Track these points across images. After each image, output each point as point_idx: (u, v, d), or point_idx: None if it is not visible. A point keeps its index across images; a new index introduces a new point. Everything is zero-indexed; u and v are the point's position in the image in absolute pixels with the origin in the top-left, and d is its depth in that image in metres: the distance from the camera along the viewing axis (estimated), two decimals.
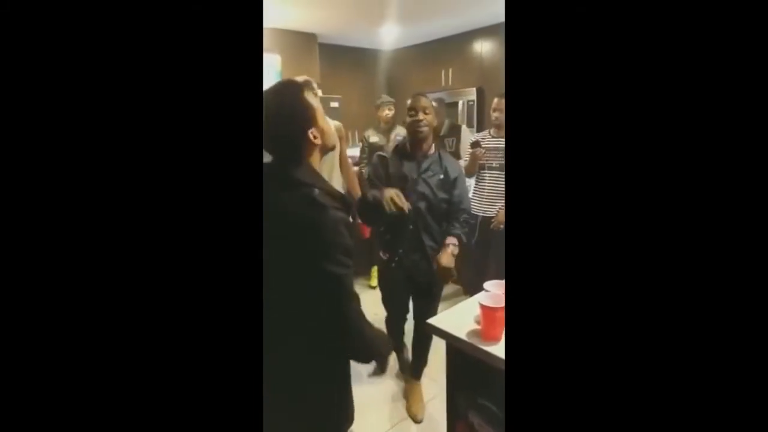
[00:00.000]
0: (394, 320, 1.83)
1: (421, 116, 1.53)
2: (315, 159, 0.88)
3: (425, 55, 3.65)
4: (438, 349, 1.53)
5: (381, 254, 1.68)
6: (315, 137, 0.84)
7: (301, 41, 3.09)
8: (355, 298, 0.86)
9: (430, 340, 1.79)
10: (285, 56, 2.82)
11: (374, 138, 2.82)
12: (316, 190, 0.81)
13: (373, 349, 0.92)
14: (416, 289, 1.70)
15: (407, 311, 1.80)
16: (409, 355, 1.92)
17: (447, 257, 1.51)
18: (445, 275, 1.53)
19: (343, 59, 3.57)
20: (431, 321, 1.15)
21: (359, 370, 2.04)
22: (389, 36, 3.33)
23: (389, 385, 2.00)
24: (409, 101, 1.59)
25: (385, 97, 2.96)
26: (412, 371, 1.88)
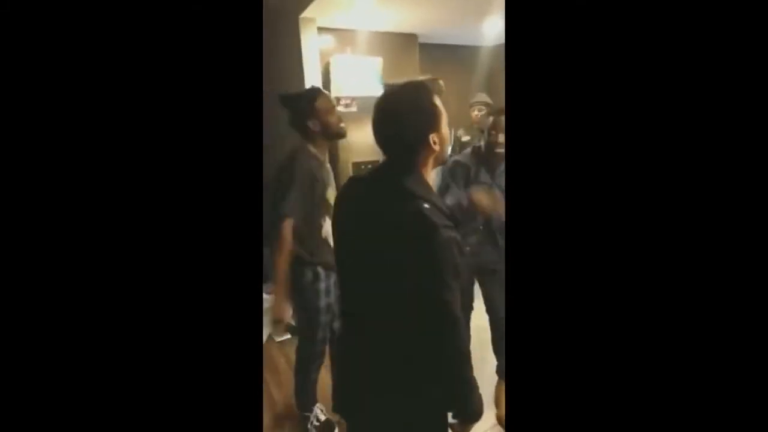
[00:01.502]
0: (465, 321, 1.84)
1: (500, 138, 1.53)
2: (428, 168, 0.81)
3: None
4: None
5: None
6: (435, 143, 0.78)
7: (402, 42, 3.16)
8: (464, 329, 0.74)
9: (504, 331, 1.75)
10: (386, 58, 2.91)
11: (465, 137, 2.79)
12: (427, 205, 0.73)
13: (474, 402, 0.78)
14: (487, 279, 1.70)
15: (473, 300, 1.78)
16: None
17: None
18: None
19: (444, 57, 3.56)
20: None
21: None
22: (492, 30, 3.24)
23: None
24: (491, 119, 1.58)
25: (479, 96, 2.90)
26: (499, 371, 1.85)
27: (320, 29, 2.71)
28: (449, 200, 1.52)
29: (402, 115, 0.76)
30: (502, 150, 1.55)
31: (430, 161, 0.81)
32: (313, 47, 2.60)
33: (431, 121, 0.77)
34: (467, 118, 3.01)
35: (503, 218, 1.41)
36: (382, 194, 0.77)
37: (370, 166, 2.68)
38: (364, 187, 0.85)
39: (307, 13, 2.40)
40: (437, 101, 0.79)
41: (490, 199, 1.42)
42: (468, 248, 1.61)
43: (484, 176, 1.62)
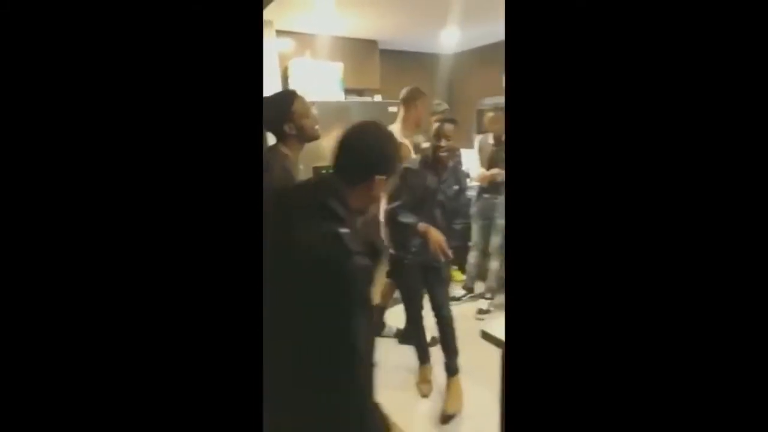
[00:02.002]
0: (417, 316, 1.95)
1: (443, 143, 1.74)
2: (368, 190, 0.80)
3: (486, 59, 3.59)
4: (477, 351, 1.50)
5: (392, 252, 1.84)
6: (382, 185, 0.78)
7: (363, 48, 3.17)
8: (365, 359, 0.73)
9: (453, 329, 1.90)
10: (346, 64, 2.90)
11: (425, 144, 2.82)
12: (345, 230, 0.71)
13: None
14: (431, 277, 1.85)
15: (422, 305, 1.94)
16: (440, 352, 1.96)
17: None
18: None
19: (404, 64, 3.60)
20: (486, 330, 1.14)
21: (398, 366, 2.05)
22: (450, 39, 3.32)
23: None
24: (435, 126, 1.76)
25: (437, 104, 2.94)
26: (447, 368, 1.92)
27: (279, 32, 2.66)
28: (402, 218, 1.68)
29: (356, 155, 0.78)
30: (446, 155, 1.75)
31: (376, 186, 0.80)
32: (271, 50, 2.55)
33: (389, 166, 0.80)
34: (428, 125, 3.05)
35: (446, 255, 1.61)
36: (308, 211, 0.75)
37: (332, 171, 2.67)
38: (295, 200, 0.82)
39: (264, 16, 2.35)
40: (396, 142, 0.81)
41: (436, 237, 1.60)
42: (414, 249, 1.76)
43: (432, 181, 1.78)
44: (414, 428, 1.77)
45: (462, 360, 1.93)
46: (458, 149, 2.76)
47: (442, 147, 1.74)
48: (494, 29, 3.12)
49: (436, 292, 1.89)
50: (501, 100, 3.32)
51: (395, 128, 2.22)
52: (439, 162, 1.78)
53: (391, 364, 2.18)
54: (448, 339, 1.90)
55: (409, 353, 2.13)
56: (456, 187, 1.86)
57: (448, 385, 1.90)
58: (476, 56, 3.69)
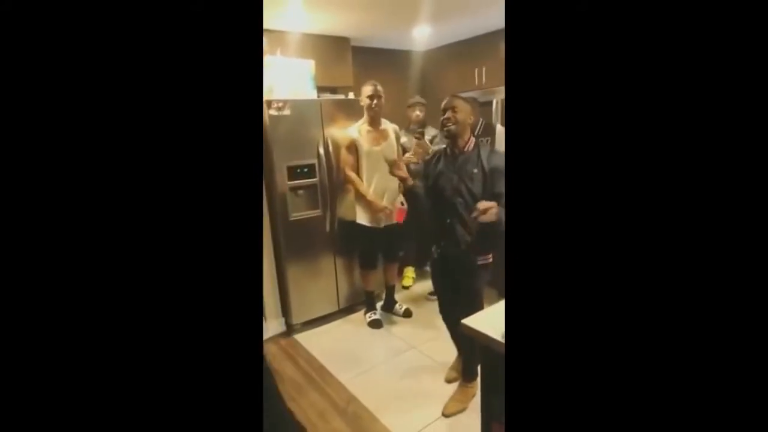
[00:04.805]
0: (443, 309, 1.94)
1: (448, 115, 1.65)
2: None
3: (458, 55, 3.62)
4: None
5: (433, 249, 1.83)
6: None
7: (334, 45, 3.13)
8: None
9: (470, 339, 1.78)
10: (318, 61, 2.87)
11: (403, 139, 2.83)
12: None
13: None
14: (453, 285, 1.80)
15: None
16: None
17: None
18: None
19: (376, 61, 3.59)
20: (466, 321, 1.15)
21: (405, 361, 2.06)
22: (422, 37, 3.33)
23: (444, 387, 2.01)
24: (445, 101, 1.70)
25: (416, 98, 2.97)
26: (461, 373, 1.91)
27: None
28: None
29: None
30: (453, 128, 1.66)
31: None
32: None
33: None
34: (404, 120, 3.06)
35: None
36: None
37: (306, 170, 2.65)
38: None
39: None
40: None
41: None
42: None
43: (446, 167, 1.73)
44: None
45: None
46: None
47: (447, 119, 1.66)
48: (464, 27, 3.15)
49: (456, 297, 1.80)
50: (474, 94, 3.36)
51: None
52: (454, 145, 1.71)
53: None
54: (466, 349, 1.86)
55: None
56: (475, 171, 1.67)
57: (458, 392, 1.90)
58: (447, 53, 3.72)
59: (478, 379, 1.77)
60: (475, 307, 1.61)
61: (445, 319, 1.95)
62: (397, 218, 2.53)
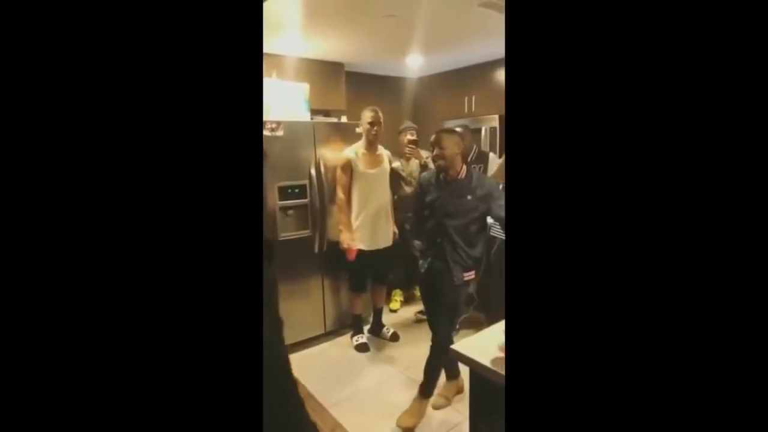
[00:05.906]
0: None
1: (436, 152, 1.75)
2: None
3: (449, 83, 3.72)
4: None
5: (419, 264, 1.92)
6: None
7: (329, 70, 3.20)
8: None
9: (437, 359, 1.89)
10: (313, 84, 2.92)
11: (395, 164, 2.87)
12: None
13: None
14: (438, 303, 1.88)
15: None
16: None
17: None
18: None
19: (369, 87, 3.66)
20: (455, 347, 1.14)
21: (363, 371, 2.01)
22: (414, 64, 3.42)
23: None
24: (432, 137, 1.81)
25: (407, 123, 3.01)
26: (421, 387, 1.93)
27: None
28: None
29: None
30: (441, 163, 1.76)
31: None
32: None
33: None
34: (395, 144, 3.10)
35: None
36: None
37: (297, 190, 2.65)
38: None
39: None
40: None
41: None
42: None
43: (439, 193, 1.81)
44: None
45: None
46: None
47: (436, 156, 1.76)
48: (455, 58, 3.25)
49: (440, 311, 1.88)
50: (465, 122, 3.44)
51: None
52: (446, 174, 1.78)
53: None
54: (430, 366, 1.92)
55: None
56: (469, 198, 1.76)
57: (412, 405, 1.93)
58: (438, 81, 3.82)
59: (461, 376, 2.00)
60: (457, 315, 1.88)
61: (431, 326, 2.00)
62: (348, 257, 2.54)
